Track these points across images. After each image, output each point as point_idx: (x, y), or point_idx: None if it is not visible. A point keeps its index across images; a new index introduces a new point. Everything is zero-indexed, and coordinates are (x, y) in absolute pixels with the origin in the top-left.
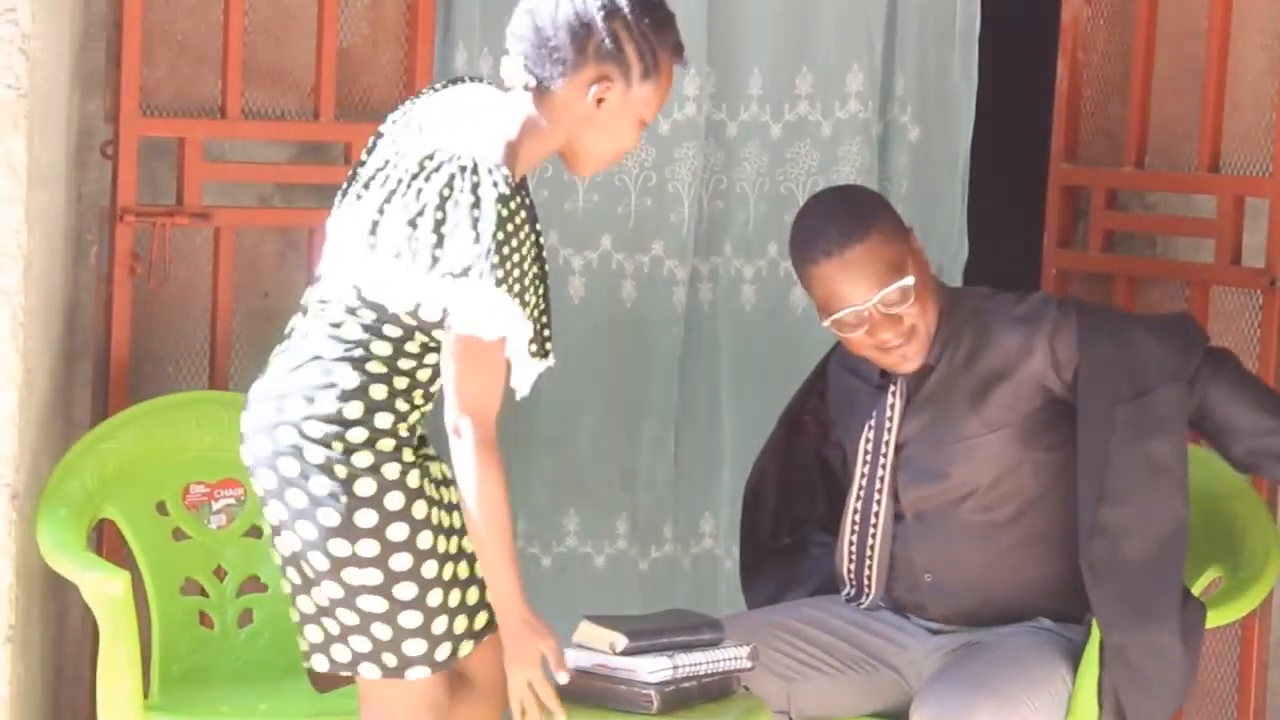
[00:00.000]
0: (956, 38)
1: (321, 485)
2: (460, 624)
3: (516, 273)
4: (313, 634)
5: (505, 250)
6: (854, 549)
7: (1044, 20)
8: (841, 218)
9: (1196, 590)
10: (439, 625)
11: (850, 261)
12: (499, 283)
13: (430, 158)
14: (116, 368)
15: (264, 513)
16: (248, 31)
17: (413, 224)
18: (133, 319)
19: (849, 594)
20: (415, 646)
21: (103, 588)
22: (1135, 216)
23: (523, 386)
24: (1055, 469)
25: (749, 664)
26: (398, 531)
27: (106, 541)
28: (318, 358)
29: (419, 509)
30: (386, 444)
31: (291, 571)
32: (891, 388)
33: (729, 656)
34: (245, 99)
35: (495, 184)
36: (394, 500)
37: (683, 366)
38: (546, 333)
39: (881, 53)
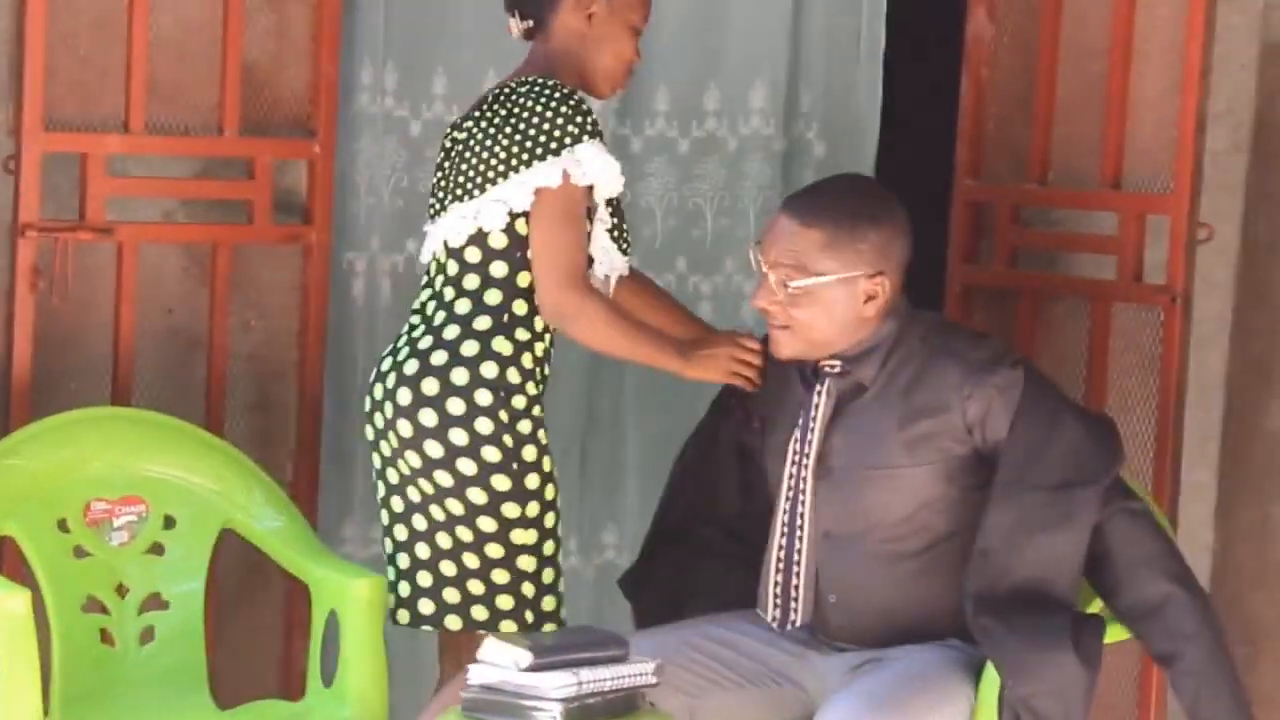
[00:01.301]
0: (862, 55)
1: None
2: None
3: (599, 133)
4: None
5: (591, 120)
6: (781, 564)
7: (949, 38)
8: (827, 196)
9: (1096, 606)
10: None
11: (784, 226)
12: (590, 136)
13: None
14: (18, 384)
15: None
16: (152, 46)
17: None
18: (35, 335)
19: (775, 618)
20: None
21: (3, 606)
22: (1038, 233)
23: (601, 270)
24: (971, 506)
25: (654, 679)
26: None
27: (6, 559)
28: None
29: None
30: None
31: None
32: (818, 387)
33: (634, 672)
34: (149, 114)
35: (562, 90)
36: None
37: (589, 379)
38: (625, 226)
39: (786, 69)
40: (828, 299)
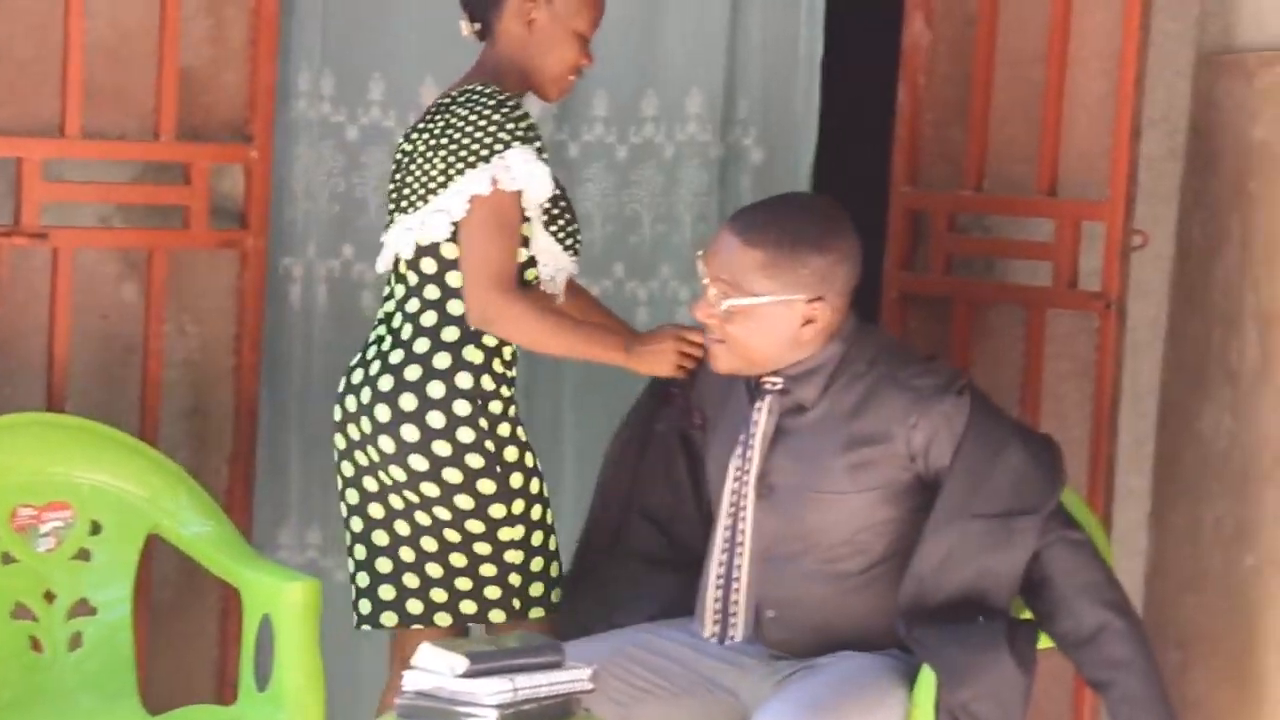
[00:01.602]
0: (799, 62)
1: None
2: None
3: (533, 138)
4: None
5: (524, 125)
6: (720, 580)
7: (886, 45)
8: (774, 215)
9: (1028, 614)
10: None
11: (727, 241)
12: (522, 141)
13: (418, 127)
14: None
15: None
16: (88, 51)
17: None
18: None
19: (714, 634)
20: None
21: None
22: (974, 240)
23: (546, 271)
24: (914, 526)
25: (590, 685)
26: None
27: None
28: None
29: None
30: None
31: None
32: (758, 403)
33: (569, 678)
34: (85, 119)
35: (496, 96)
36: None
37: (527, 385)
38: (572, 227)
39: (723, 76)
40: (764, 318)
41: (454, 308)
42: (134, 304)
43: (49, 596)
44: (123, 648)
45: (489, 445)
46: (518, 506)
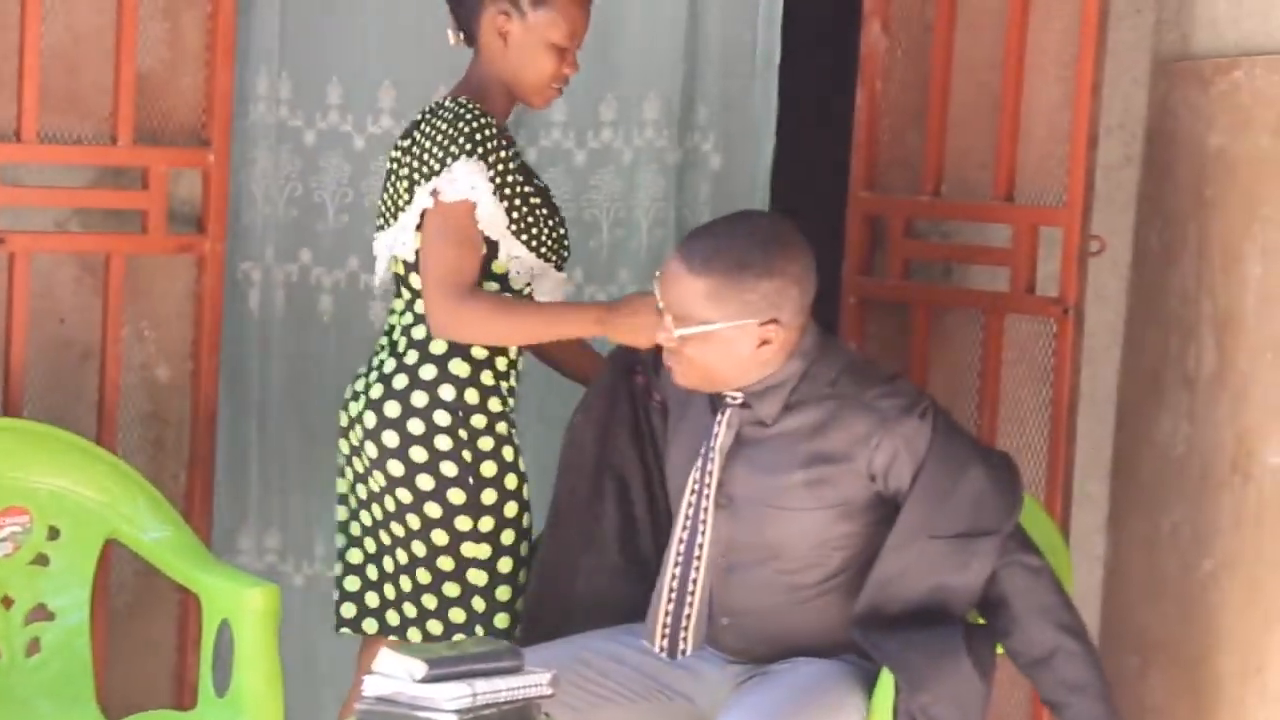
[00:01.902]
0: (757, 67)
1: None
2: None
3: (493, 158)
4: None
5: (477, 139)
6: (674, 594)
7: (843, 51)
8: (718, 242)
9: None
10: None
11: (674, 270)
12: (468, 154)
13: (399, 139)
14: None
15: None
16: (44, 55)
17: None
18: None
19: (662, 648)
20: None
21: None
22: (932, 245)
23: (520, 280)
24: (871, 539)
25: (549, 691)
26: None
27: None
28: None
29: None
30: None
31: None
32: (719, 416)
33: (529, 683)
34: (42, 123)
35: (457, 110)
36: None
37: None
38: (548, 236)
39: (681, 81)
40: (718, 342)
41: None
42: (92, 308)
43: (6, 602)
44: (81, 653)
45: (465, 455)
46: (486, 524)
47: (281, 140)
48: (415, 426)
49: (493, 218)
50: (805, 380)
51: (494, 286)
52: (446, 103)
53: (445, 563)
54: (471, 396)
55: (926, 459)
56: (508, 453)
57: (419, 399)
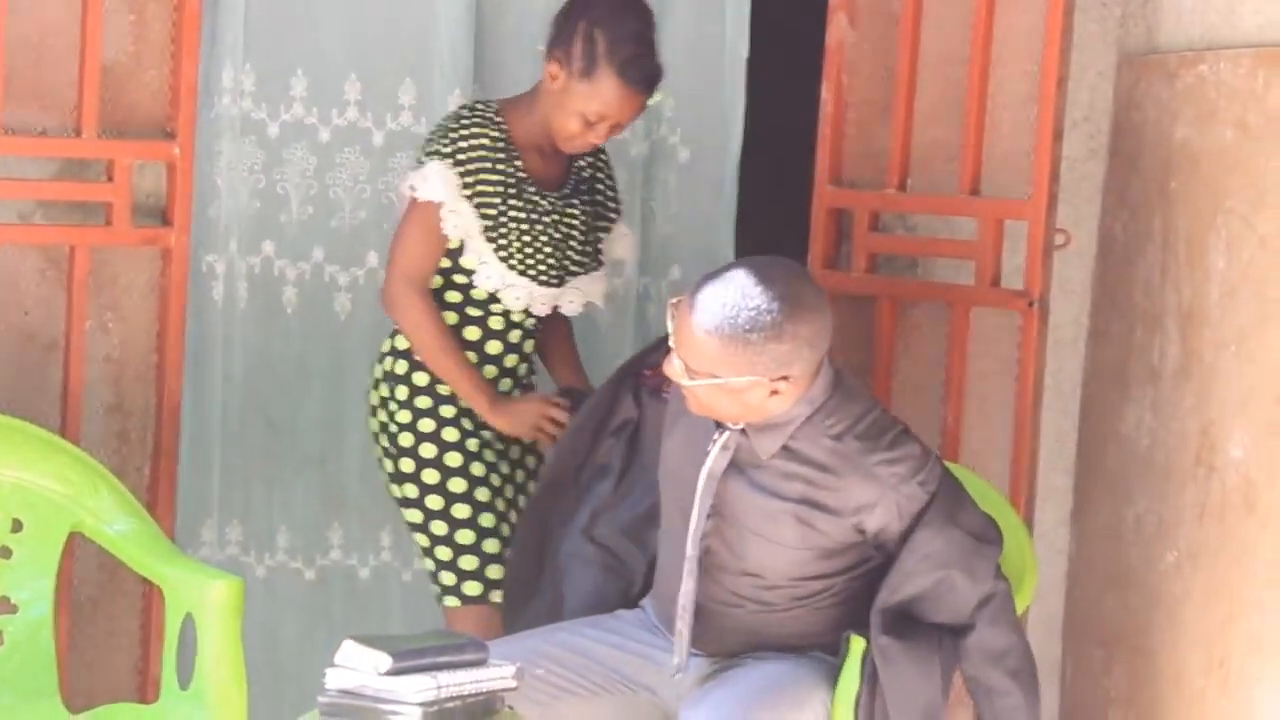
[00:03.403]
0: (725, 60)
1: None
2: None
3: (464, 158)
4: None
5: (459, 144)
6: (684, 610)
7: (810, 44)
8: (730, 299)
9: None
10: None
11: (686, 321)
12: (442, 157)
13: None
14: None
15: None
16: (8, 47)
17: None
18: None
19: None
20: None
21: None
22: (898, 238)
23: (488, 284)
24: (849, 580)
25: (513, 683)
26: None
27: None
28: None
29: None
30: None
31: None
32: (716, 436)
33: (493, 676)
34: (6, 115)
35: (460, 113)
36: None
37: None
38: (518, 248)
39: None
40: (728, 390)
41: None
42: (56, 301)
43: None
44: (44, 646)
45: (426, 449)
46: (433, 502)
47: (245, 132)
48: (392, 409)
49: (461, 220)
50: (809, 424)
51: (461, 280)
52: (471, 102)
53: (412, 514)
54: (444, 387)
55: (920, 516)
56: (473, 444)
57: (401, 392)
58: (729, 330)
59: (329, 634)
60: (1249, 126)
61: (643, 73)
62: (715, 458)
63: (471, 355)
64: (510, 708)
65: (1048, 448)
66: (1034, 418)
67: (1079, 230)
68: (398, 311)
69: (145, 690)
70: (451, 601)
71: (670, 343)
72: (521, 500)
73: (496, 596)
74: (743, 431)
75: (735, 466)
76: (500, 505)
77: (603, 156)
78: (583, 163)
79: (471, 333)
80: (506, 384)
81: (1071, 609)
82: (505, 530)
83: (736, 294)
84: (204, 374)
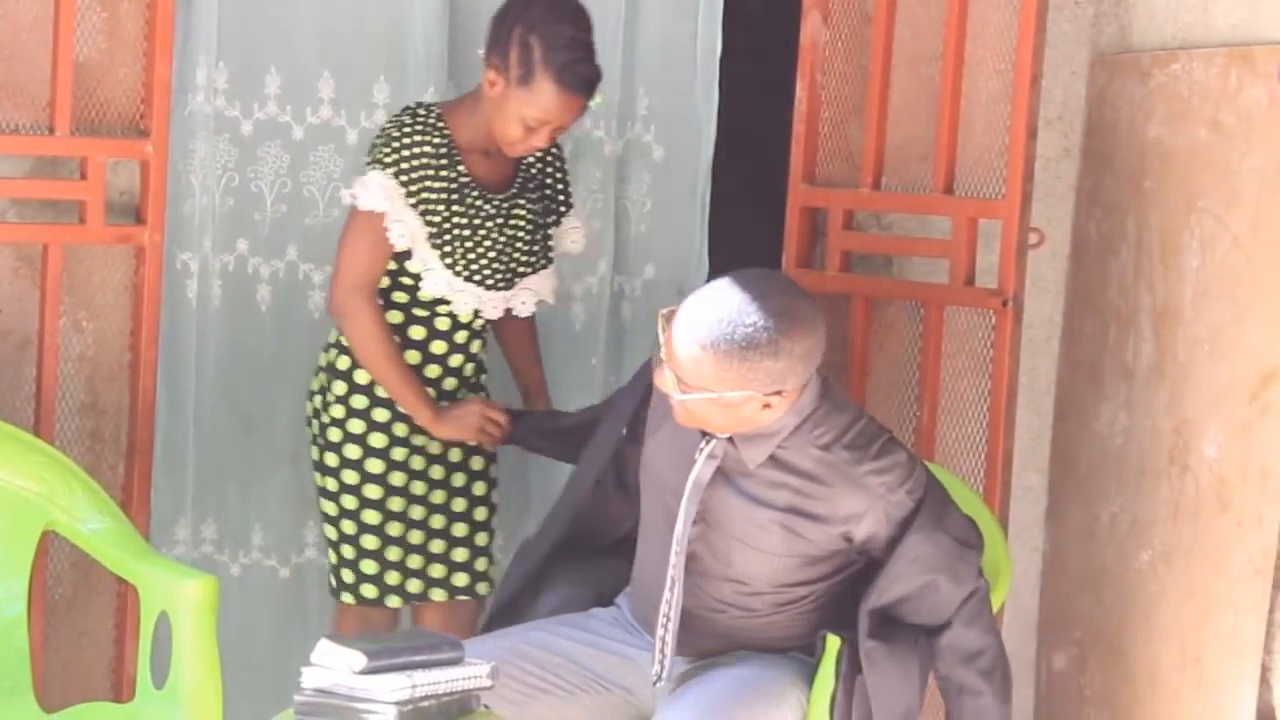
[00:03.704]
0: (698, 57)
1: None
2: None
3: (407, 166)
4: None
5: (401, 153)
6: (666, 618)
7: (784, 42)
8: (727, 314)
9: None
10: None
11: (680, 335)
12: (383, 166)
13: None
14: None
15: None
16: None
17: None
18: None
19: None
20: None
21: None
22: (872, 237)
23: (434, 290)
24: (831, 584)
25: (489, 682)
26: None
27: None
28: None
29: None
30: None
31: None
32: (702, 445)
33: (468, 675)
34: None
35: (400, 119)
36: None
37: None
38: (464, 253)
39: (620, 72)
40: (721, 403)
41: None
42: (29, 299)
43: None
44: (18, 645)
45: (349, 449)
46: (351, 504)
47: (219, 131)
48: (338, 410)
49: (406, 228)
50: (796, 434)
51: (408, 282)
52: (410, 107)
53: (327, 506)
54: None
55: (905, 522)
56: (399, 453)
57: (339, 387)
58: (725, 347)
59: (304, 632)
60: (1222, 125)
61: (580, 77)
62: (701, 466)
63: (416, 354)
64: (486, 707)
65: (1022, 446)
66: (1008, 416)
67: (1053, 229)
68: (345, 320)
69: (120, 689)
70: (347, 599)
71: (660, 354)
72: (457, 504)
73: (393, 601)
74: (729, 440)
75: (722, 474)
76: (417, 514)
77: (554, 151)
78: (531, 159)
79: (417, 332)
80: (451, 383)
81: (1046, 607)
82: (415, 538)
83: (733, 310)
84: (178, 372)
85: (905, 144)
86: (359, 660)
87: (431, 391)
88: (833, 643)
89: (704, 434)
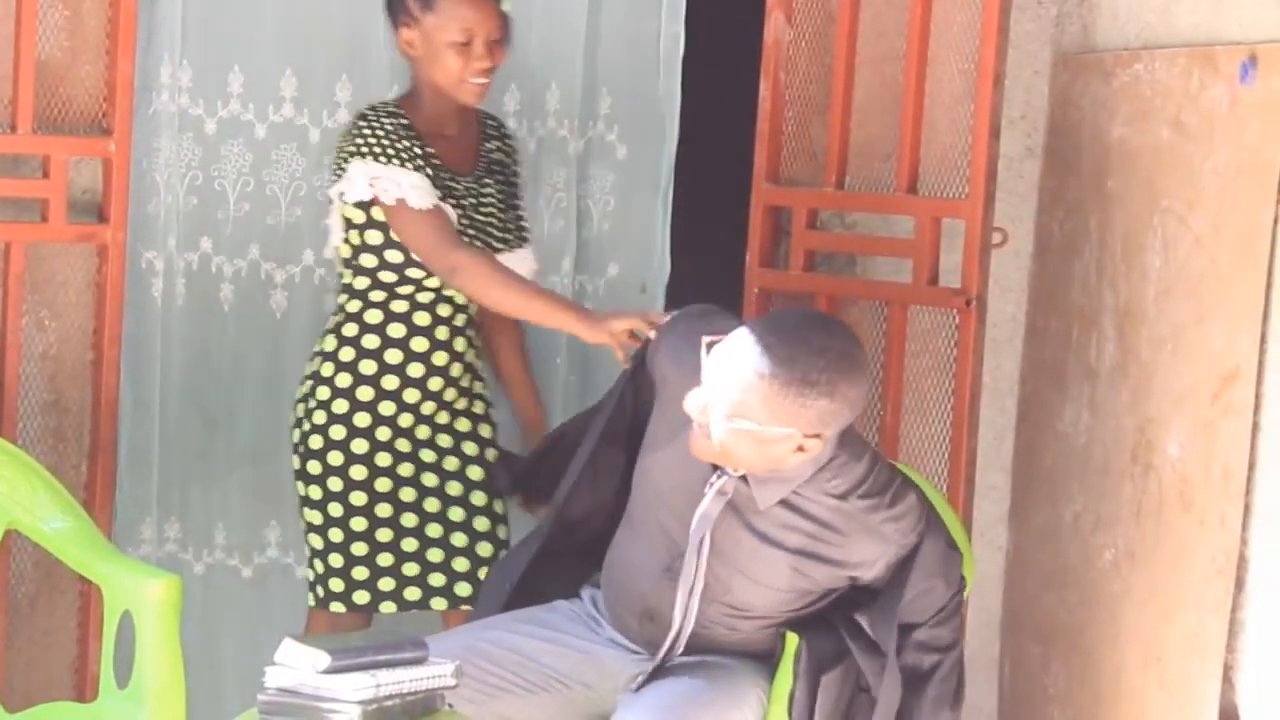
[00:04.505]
0: (661, 57)
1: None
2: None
3: (388, 143)
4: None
5: (373, 133)
6: (676, 639)
7: (747, 41)
8: (791, 349)
9: None
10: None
11: (738, 361)
12: (375, 157)
13: None
14: None
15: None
16: None
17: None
18: None
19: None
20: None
21: None
22: (835, 236)
23: (417, 269)
24: (821, 608)
25: (453, 681)
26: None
27: None
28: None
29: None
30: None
31: None
32: (713, 479)
33: (432, 674)
34: None
35: (366, 112)
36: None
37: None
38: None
39: (582, 72)
40: (756, 438)
41: (351, 306)
42: None
43: None
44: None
45: (334, 430)
46: (335, 509)
47: (183, 129)
48: (327, 380)
49: (425, 182)
50: (811, 481)
51: (386, 279)
52: (367, 108)
53: (312, 515)
54: (365, 394)
55: (918, 568)
56: (382, 458)
57: (331, 353)
58: (785, 378)
59: (268, 632)
60: (1184, 125)
61: None
62: (710, 501)
63: (398, 354)
64: (450, 706)
65: (985, 445)
66: (972, 415)
67: (1016, 229)
68: (459, 276)
69: (83, 689)
70: (337, 607)
71: (700, 379)
72: (453, 513)
73: (387, 607)
74: (742, 478)
75: (731, 508)
76: (408, 521)
77: (509, 141)
78: (491, 145)
79: (396, 330)
80: (437, 383)
81: (1010, 606)
82: (406, 545)
83: (798, 342)
84: (143, 371)
85: (869, 143)
86: (323, 660)
87: (417, 392)
88: (791, 640)
89: (715, 467)
